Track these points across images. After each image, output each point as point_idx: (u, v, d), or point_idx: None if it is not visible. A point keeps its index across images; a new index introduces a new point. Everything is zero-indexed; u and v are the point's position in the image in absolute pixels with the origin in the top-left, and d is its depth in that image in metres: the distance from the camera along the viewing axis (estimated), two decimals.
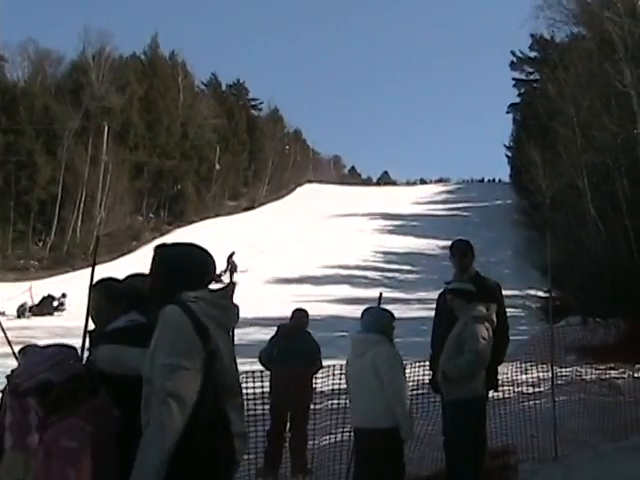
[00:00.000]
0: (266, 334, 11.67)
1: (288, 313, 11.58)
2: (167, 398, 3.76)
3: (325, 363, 10.38)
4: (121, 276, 5.29)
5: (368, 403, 7.20)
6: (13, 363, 6.56)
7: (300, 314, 11.32)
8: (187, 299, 4.06)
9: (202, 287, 4.23)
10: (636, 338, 17.76)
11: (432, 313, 8.64)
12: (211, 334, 4.02)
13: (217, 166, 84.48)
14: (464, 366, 7.71)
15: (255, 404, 9.41)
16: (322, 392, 10.32)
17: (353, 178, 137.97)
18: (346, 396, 9.11)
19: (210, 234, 63.98)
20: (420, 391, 9.53)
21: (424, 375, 9.00)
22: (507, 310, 8.63)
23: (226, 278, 44.42)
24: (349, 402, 7.85)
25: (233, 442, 4.05)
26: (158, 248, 4.43)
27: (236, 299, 7.22)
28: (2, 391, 6.61)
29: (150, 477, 3.71)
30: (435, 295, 8.47)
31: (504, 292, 8.73)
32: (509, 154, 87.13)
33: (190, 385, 3.85)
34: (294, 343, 10.71)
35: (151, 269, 4.33)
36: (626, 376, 14.21)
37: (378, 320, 7.53)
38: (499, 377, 8.72)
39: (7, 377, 5.65)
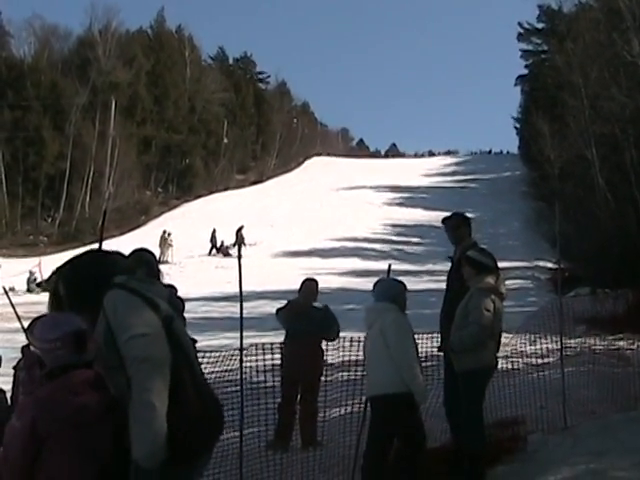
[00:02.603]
0: (274, 307, 11.69)
1: (297, 286, 11.60)
2: (140, 365, 3.83)
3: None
4: (129, 250, 5.33)
5: (378, 370, 7.26)
6: (23, 339, 6.58)
7: (310, 284, 11.34)
8: (121, 281, 4.15)
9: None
10: None
11: (441, 285, 8.67)
12: (158, 302, 4.11)
13: (225, 140, 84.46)
14: (467, 338, 7.74)
15: (265, 376, 9.45)
16: (332, 364, 10.35)
17: (361, 151, 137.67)
18: (356, 368, 9.18)
19: (218, 208, 64.19)
20: (429, 363, 9.54)
21: (432, 347, 9.01)
22: (516, 282, 8.66)
23: (234, 252, 44.63)
24: (365, 373, 7.90)
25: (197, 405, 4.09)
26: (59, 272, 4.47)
27: (245, 272, 7.24)
28: (15, 367, 6.64)
29: (155, 441, 3.78)
30: (443, 267, 8.49)
31: (514, 264, 8.74)
32: (517, 125, 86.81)
33: (158, 347, 3.93)
34: (305, 317, 10.73)
35: (59, 295, 4.35)
36: (635, 347, 14.21)
37: (389, 290, 7.62)
38: (508, 348, 8.76)
39: (22, 348, 5.67)
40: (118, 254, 4.62)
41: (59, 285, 4.32)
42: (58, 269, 4.45)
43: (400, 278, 8.21)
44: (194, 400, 4.06)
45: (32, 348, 4.12)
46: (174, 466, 3.91)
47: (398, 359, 7.13)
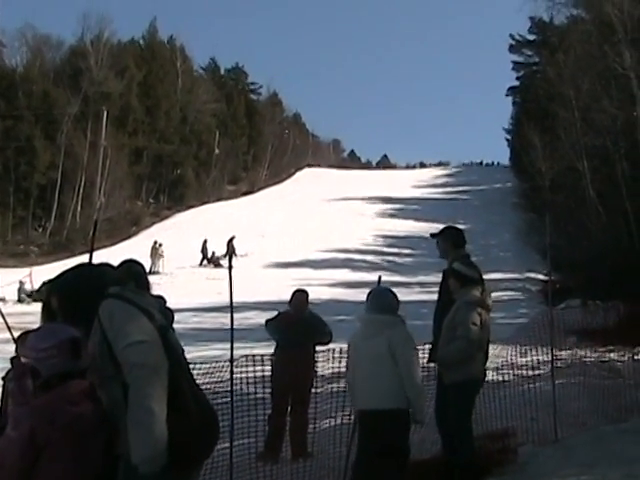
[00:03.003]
0: (265, 318, 11.67)
1: (288, 297, 11.58)
2: (139, 371, 3.88)
3: (324, 347, 10.39)
4: (119, 261, 5.33)
5: (377, 384, 7.15)
6: (12, 349, 6.54)
7: (300, 295, 11.31)
8: (116, 291, 4.23)
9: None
10: (636, 321, 17.76)
11: (432, 296, 8.67)
12: (153, 312, 4.20)
13: (216, 150, 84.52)
14: (455, 352, 7.76)
15: (256, 387, 9.43)
16: (322, 376, 10.34)
17: (352, 162, 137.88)
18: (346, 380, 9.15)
19: (209, 219, 64.18)
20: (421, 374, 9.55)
21: (424, 358, 9.01)
22: (507, 293, 8.67)
23: (225, 262, 44.60)
24: (349, 384, 7.81)
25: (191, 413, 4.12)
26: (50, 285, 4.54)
27: (236, 283, 7.23)
28: (3, 378, 6.61)
29: (155, 446, 3.83)
30: (435, 278, 8.49)
31: (505, 275, 8.76)
32: (509, 137, 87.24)
33: (155, 354, 3.99)
34: (295, 328, 10.71)
35: (51, 308, 4.40)
36: (626, 358, 14.25)
37: (390, 301, 7.48)
38: (498, 360, 8.77)
39: (11, 359, 5.65)
40: (108, 266, 4.66)
41: (52, 298, 4.34)
42: (50, 281, 4.48)
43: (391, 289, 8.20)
44: (193, 407, 4.11)
45: (24, 359, 4.12)
46: (174, 472, 3.95)
47: (406, 376, 7.03)
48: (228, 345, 7.70)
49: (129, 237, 61.28)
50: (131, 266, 6.04)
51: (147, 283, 5.96)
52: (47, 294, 4.46)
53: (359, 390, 7.47)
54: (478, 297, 7.85)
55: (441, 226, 9.05)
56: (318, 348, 10.54)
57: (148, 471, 3.81)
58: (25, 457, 3.81)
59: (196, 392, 4.31)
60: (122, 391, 3.93)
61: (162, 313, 4.44)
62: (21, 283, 39.21)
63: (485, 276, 8.38)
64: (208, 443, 4.32)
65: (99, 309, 4.07)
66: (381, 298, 7.56)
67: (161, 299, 5.75)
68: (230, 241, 48.07)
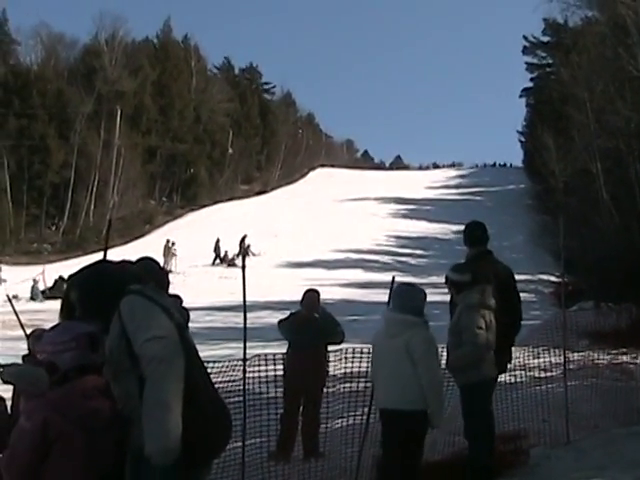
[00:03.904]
0: (278, 318, 11.68)
1: (300, 297, 11.58)
2: (158, 366, 3.91)
3: (337, 347, 10.37)
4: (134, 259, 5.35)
5: (396, 385, 7.12)
6: (25, 347, 6.58)
7: (312, 295, 11.28)
8: (137, 288, 4.27)
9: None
10: None
11: (444, 297, 8.64)
12: (172, 310, 4.27)
13: (230, 150, 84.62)
14: (464, 357, 7.73)
15: (268, 387, 9.43)
16: (334, 376, 10.33)
17: (366, 162, 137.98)
18: (358, 380, 9.14)
19: (222, 218, 64.25)
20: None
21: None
22: (520, 294, 8.64)
23: (239, 262, 44.69)
24: (372, 382, 7.81)
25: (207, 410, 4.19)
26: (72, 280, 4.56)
27: (249, 283, 7.24)
28: None
29: (168, 438, 3.86)
30: None
31: (517, 277, 8.72)
32: (522, 139, 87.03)
33: (174, 350, 4.03)
34: (307, 328, 10.71)
35: (70, 303, 4.43)
36: (638, 361, 14.22)
37: (413, 300, 7.39)
38: (509, 361, 8.75)
39: (23, 357, 5.68)
40: (128, 262, 4.71)
41: (71, 293, 4.37)
42: (70, 277, 4.51)
43: None
44: (207, 405, 4.17)
45: (40, 356, 4.14)
46: (185, 468, 3.99)
47: (426, 380, 6.97)
48: (241, 344, 7.72)
49: (142, 236, 61.41)
50: (150, 264, 6.02)
51: (165, 282, 5.97)
52: (67, 288, 4.48)
53: (379, 389, 7.48)
54: (478, 299, 7.78)
55: (454, 227, 9.14)
56: (330, 348, 10.52)
57: (161, 463, 3.84)
58: (36, 448, 3.84)
59: (211, 391, 4.37)
60: (138, 384, 3.96)
61: (179, 312, 4.48)
62: (35, 281, 39.35)
63: None
64: (221, 441, 4.35)
65: (120, 304, 4.11)
66: (405, 297, 7.46)
67: (178, 298, 5.76)
68: (242, 240, 48.14)
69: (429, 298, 7.47)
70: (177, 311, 4.37)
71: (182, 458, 3.90)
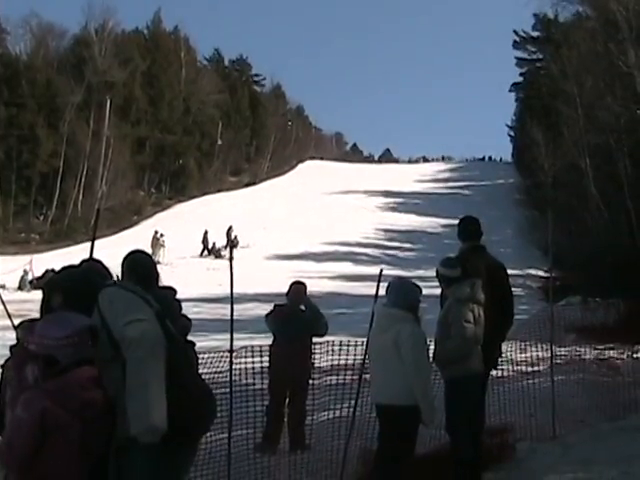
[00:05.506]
0: (265, 310, 11.65)
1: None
2: (137, 347, 3.99)
3: (323, 339, 10.35)
4: (123, 250, 5.33)
5: (386, 379, 7.14)
6: (12, 336, 6.54)
7: (298, 287, 11.27)
8: (113, 283, 4.52)
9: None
10: (635, 319, 17.78)
11: (433, 291, 8.62)
12: (149, 299, 4.34)
13: (219, 141, 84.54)
14: (451, 351, 7.69)
15: (254, 379, 9.43)
16: (320, 368, 10.32)
17: (355, 155, 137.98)
18: (345, 372, 9.15)
19: (211, 209, 64.18)
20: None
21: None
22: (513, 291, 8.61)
23: (226, 253, 44.69)
24: (370, 376, 7.81)
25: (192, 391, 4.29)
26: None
27: (236, 274, 7.22)
28: (2, 366, 6.60)
29: (152, 416, 3.94)
30: (435, 273, 8.44)
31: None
32: (512, 133, 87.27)
33: (153, 331, 4.13)
34: (292, 320, 10.70)
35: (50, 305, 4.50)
36: (625, 356, 14.24)
37: (405, 295, 7.38)
38: (500, 357, 8.74)
39: (10, 347, 5.63)
40: (95, 261, 4.85)
41: (54, 293, 4.41)
42: (51, 280, 4.56)
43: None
44: (192, 386, 4.28)
45: (34, 347, 4.12)
46: (174, 445, 4.07)
47: (413, 375, 6.97)
48: (228, 336, 7.70)
49: (130, 226, 61.29)
50: (134, 259, 5.96)
51: (154, 275, 5.89)
52: (48, 290, 4.52)
53: (373, 383, 7.49)
54: (467, 293, 7.76)
55: (442, 221, 9.16)
56: (316, 340, 10.51)
57: (147, 442, 3.90)
58: (34, 438, 3.88)
59: (195, 376, 4.51)
60: (123, 371, 4.02)
61: (171, 305, 4.54)
62: (25, 272, 39.27)
63: None
64: (206, 417, 4.47)
65: (98, 297, 4.19)
66: (398, 292, 7.44)
67: (172, 290, 5.71)
68: (228, 231, 48.16)
69: None
70: (156, 302, 4.42)
71: (167, 438, 3.93)
